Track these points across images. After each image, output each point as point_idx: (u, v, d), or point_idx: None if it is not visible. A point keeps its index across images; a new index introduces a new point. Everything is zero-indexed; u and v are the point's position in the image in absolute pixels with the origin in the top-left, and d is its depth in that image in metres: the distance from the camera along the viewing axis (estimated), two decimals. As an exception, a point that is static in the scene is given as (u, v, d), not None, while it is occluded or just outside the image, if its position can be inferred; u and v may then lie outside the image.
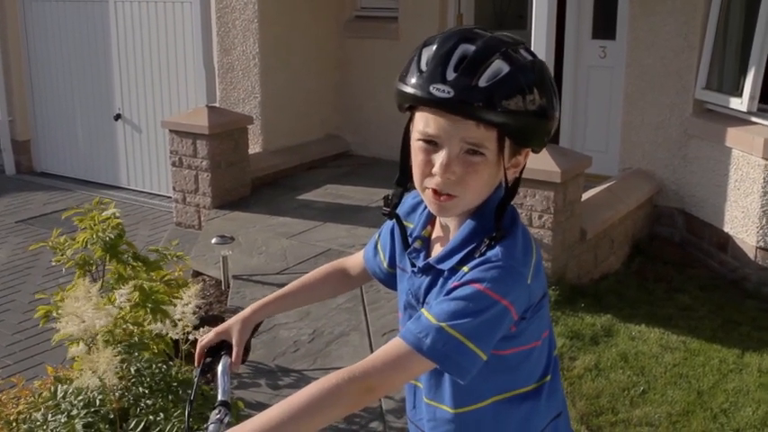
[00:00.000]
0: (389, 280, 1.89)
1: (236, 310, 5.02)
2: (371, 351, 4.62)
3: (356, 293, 5.18)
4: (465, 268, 1.57)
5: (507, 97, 1.49)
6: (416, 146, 1.58)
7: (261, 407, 4.06)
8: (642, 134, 6.85)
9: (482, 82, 1.49)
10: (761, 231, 5.79)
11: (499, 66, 1.50)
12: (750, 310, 5.57)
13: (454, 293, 1.54)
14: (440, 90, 1.49)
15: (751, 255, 5.90)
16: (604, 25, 7.14)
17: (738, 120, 6.10)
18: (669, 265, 6.30)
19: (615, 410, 4.24)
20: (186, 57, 8.12)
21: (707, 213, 6.40)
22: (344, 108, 8.57)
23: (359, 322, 4.98)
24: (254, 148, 7.72)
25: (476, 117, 1.50)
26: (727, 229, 6.14)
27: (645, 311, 5.41)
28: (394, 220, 1.79)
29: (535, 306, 1.62)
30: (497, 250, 1.56)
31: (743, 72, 6.10)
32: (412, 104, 1.58)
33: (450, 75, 1.49)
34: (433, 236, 1.73)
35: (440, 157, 1.54)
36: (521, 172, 1.64)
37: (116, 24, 8.69)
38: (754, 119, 5.98)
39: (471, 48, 1.51)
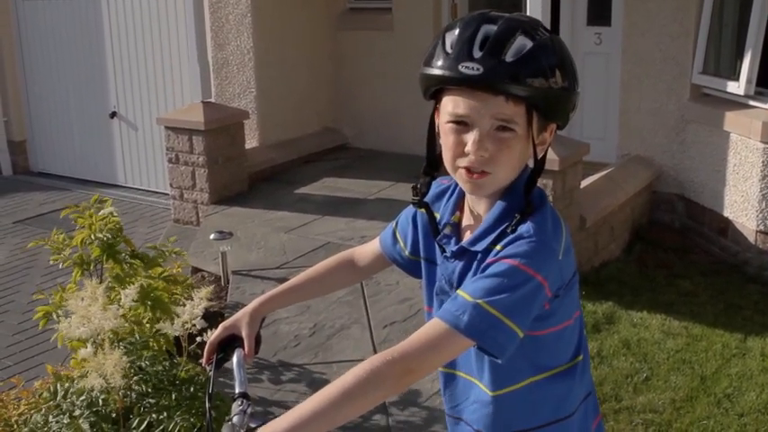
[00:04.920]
0: (411, 266, 1.91)
1: (235, 306, 5.01)
2: (373, 344, 4.63)
3: (356, 286, 5.17)
4: (498, 246, 1.59)
5: (533, 71, 1.54)
6: (446, 128, 1.61)
7: (264, 402, 4.05)
8: (640, 120, 6.83)
9: (508, 57, 1.54)
10: (761, 215, 5.78)
11: (522, 42, 1.55)
12: (752, 294, 5.56)
13: (489, 270, 1.56)
14: (469, 68, 1.53)
15: (751, 239, 5.89)
16: (599, 12, 7.12)
17: (736, 104, 6.08)
18: (670, 251, 6.29)
19: (619, 398, 4.24)
20: (180, 53, 8.08)
21: (706, 198, 6.39)
22: (340, 100, 8.54)
23: (360, 315, 4.97)
24: (251, 142, 7.69)
25: (505, 92, 1.54)
26: (726, 213, 6.12)
27: (646, 298, 5.41)
28: (415, 209, 1.82)
29: (567, 285, 1.64)
30: (529, 226, 1.58)
31: (739, 56, 6.08)
32: (439, 87, 1.61)
33: (477, 53, 1.54)
34: (463, 221, 1.75)
35: (471, 136, 1.58)
36: (546, 150, 1.68)
37: (109, 22, 8.65)
38: (751, 102, 5.96)
39: (493, 27, 1.56)
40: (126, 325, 3.44)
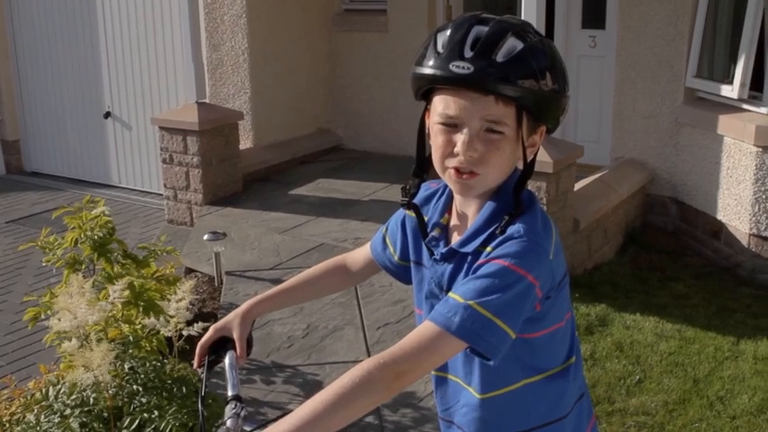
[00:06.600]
0: (401, 272, 1.90)
1: (229, 307, 5.01)
2: (366, 345, 4.63)
3: (350, 287, 5.17)
4: (488, 248, 1.59)
5: (523, 72, 1.55)
6: (436, 129, 1.62)
7: (256, 403, 4.05)
8: (634, 123, 6.84)
9: (499, 58, 1.54)
10: (753, 218, 5.79)
11: (513, 43, 1.56)
12: (744, 297, 5.57)
13: (480, 271, 1.55)
14: (459, 67, 1.54)
15: (744, 242, 5.90)
16: (594, 15, 7.13)
17: (729, 107, 6.09)
18: (663, 253, 6.30)
19: (611, 400, 4.24)
20: (175, 53, 8.07)
21: (699, 201, 6.40)
22: (335, 102, 8.55)
23: (353, 316, 4.96)
24: (245, 143, 7.69)
25: (495, 92, 1.54)
26: (720, 216, 6.14)
27: (639, 300, 5.41)
28: (405, 213, 1.82)
29: (558, 286, 1.64)
30: (519, 226, 1.58)
31: (733, 59, 6.09)
32: (430, 86, 1.62)
33: (468, 53, 1.55)
34: (451, 223, 1.75)
35: (461, 137, 1.58)
36: (536, 153, 1.68)
37: (104, 21, 8.64)
38: (745, 106, 5.98)
39: (485, 29, 1.58)
40: (116, 325, 3.44)
